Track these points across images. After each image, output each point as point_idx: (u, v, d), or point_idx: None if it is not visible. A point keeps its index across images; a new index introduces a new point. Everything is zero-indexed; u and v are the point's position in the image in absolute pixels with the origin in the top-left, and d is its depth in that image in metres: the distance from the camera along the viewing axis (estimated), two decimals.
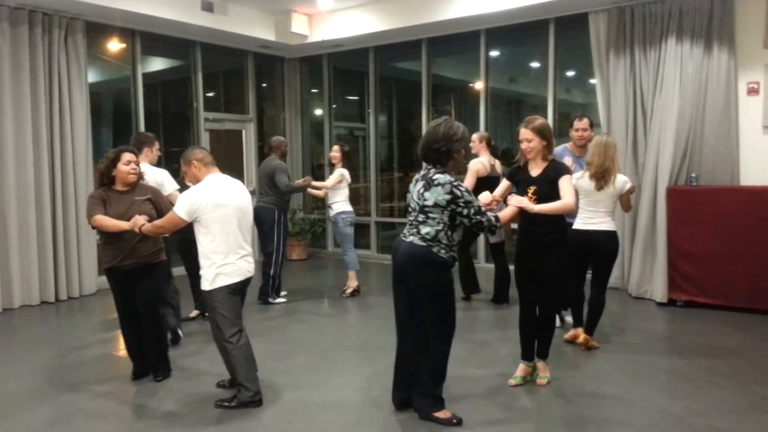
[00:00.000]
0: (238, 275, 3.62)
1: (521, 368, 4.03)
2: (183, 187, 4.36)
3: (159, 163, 5.23)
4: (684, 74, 6.03)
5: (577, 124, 5.11)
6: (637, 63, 6.35)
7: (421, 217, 3.31)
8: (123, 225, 3.78)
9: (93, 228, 3.93)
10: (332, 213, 6.59)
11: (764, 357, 4.45)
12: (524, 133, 3.77)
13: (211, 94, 8.69)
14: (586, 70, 7.18)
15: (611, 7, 6.48)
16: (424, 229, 3.29)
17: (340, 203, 6.54)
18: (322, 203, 6.94)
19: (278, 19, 8.27)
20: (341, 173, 6.53)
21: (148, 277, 4.05)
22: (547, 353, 4.02)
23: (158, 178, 4.90)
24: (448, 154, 3.30)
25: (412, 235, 3.34)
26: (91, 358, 4.73)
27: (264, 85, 9.56)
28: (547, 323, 3.97)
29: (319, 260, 8.87)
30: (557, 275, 3.82)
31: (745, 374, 4.09)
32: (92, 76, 7.08)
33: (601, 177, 4.36)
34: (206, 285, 3.61)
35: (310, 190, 6.78)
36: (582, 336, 4.65)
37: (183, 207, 3.53)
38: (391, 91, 9.49)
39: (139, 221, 3.73)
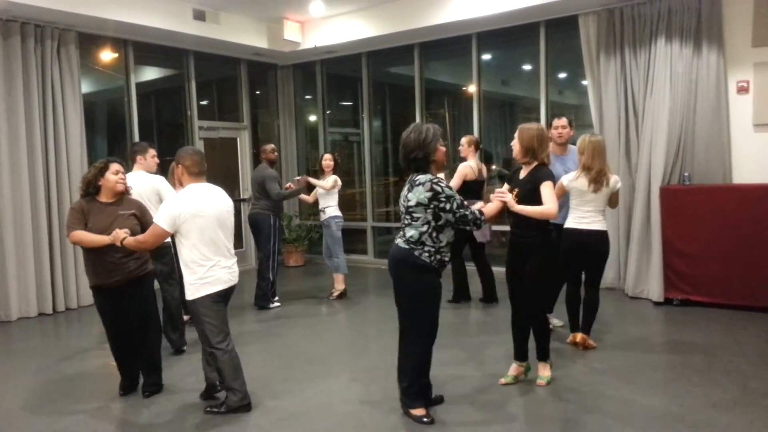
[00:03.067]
0: (221, 283, 3.59)
1: (513, 368, 4.07)
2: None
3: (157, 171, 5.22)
4: (674, 74, 6.09)
5: (555, 122, 5.15)
6: (628, 64, 6.40)
7: (406, 220, 3.40)
8: (104, 239, 3.69)
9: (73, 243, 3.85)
10: (324, 217, 6.71)
11: (760, 354, 4.48)
12: (515, 135, 3.92)
13: (204, 103, 8.71)
14: (578, 71, 7.24)
15: (600, 9, 6.54)
16: (409, 232, 3.36)
17: (332, 208, 6.69)
18: (317, 209, 6.99)
19: (270, 27, 8.30)
20: (335, 178, 6.68)
21: (137, 291, 3.95)
22: (546, 354, 4.03)
23: (155, 184, 4.91)
24: (427, 159, 3.38)
25: (399, 238, 3.45)
26: (84, 372, 4.71)
27: (257, 92, 9.58)
28: (536, 325, 3.99)
29: (315, 266, 8.87)
30: (538, 277, 3.85)
31: (741, 371, 4.12)
32: (86, 87, 7.09)
33: (599, 181, 4.41)
34: (190, 295, 3.57)
35: (301, 196, 6.87)
36: (579, 336, 4.67)
37: (165, 218, 3.47)
38: (384, 95, 9.53)
39: (120, 235, 3.64)
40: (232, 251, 3.72)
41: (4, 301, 6.21)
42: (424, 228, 3.32)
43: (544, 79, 7.34)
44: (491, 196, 3.73)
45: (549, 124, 7.19)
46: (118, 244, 3.65)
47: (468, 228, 3.48)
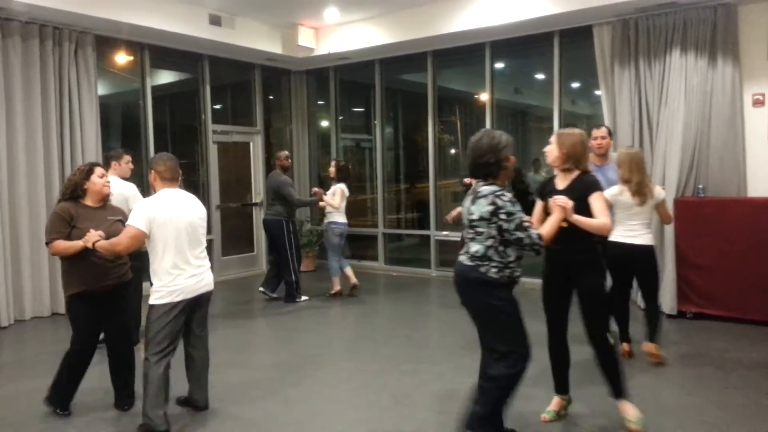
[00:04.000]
0: (182, 294, 3.47)
1: (555, 402, 3.66)
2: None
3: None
4: (689, 86, 6.07)
5: (595, 132, 5.17)
6: (642, 75, 6.38)
7: (470, 234, 3.11)
8: (77, 244, 3.55)
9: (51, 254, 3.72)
10: (326, 221, 7.06)
11: None
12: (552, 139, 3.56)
13: (218, 107, 8.76)
14: (591, 81, 7.23)
15: (615, 19, 6.53)
16: (474, 247, 3.09)
17: (333, 213, 6.95)
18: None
19: (285, 33, 8.35)
20: (342, 189, 6.93)
21: (122, 298, 3.85)
22: (622, 389, 3.42)
23: (126, 191, 4.93)
24: (498, 165, 3.09)
25: (463, 254, 3.17)
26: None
27: (271, 97, 9.63)
28: (604, 355, 3.41)
29: (327, 271, 8.86)
30: (598, 299, 3.42)
31: (757, 385, 4.08)
32: (101, 89, 7.14)
33: (642, 192, 4.38)
34: (151, 299, 3.49)
35: (320, 203, 7.12)
36: (650, 345, 4.55)
37: (140, 218, 3.38)
38: (396, 102, 9.55)
39: (92, 237, 3.50)
40: (204, 258, 3.65)
41: (19, 300, 6.25)
42: (489, 242, 3.04)
43: (558, 89, 7.33)
44: (550, 203, 3.32)
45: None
46: (89, 246, 3.49)
47: (525, 251, 3.09)
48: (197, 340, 3.76)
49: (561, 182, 3.49)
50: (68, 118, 6.56)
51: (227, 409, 3.87)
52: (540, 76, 8.36)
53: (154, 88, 7.73)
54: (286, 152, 7.24)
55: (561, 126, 7.34)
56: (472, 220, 3.07)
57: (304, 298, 6.97)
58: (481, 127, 8.08)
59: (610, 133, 5.25)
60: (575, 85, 7.82)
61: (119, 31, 6.92)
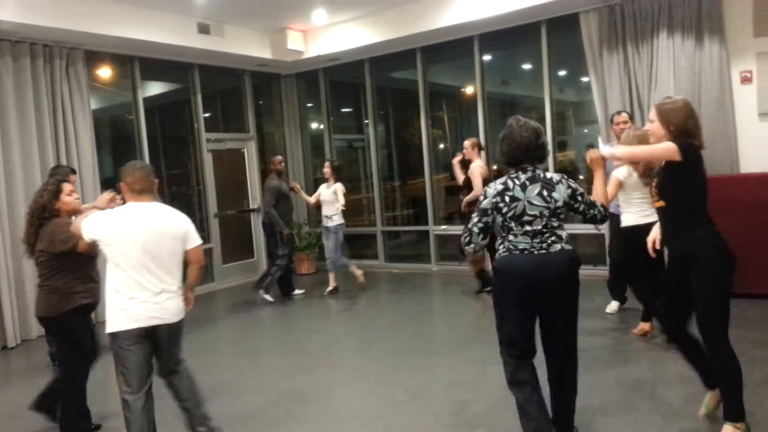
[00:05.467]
0: (136, 321, 3.05)
1: (710, 396, 3.24)
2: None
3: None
4: (677, 67, 6.16)
5: (617, 118, 5.35)
6: (631, 59, 6.47)
7: (555, 222, 2.92)
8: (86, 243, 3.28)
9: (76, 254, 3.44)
10: (332, 224, 7.14)
11: None
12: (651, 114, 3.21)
13: (209, 115, 8.77)
14: (577, 68, 7.31)
15: (601, 5, 6.61)
16: (563, 233, 2.97)
17: (339, 215, 7.12)
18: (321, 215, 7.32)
19: (274, 37, 8.37)
20: (342, 188, 7.13)
21: None
22: (737, 411, 2.95)
23: None
24: (545, 149, 3.04)
25: (555, 243, 2.92)
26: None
27: (261, 102, 9.65)
28: (722, 367, 2.99)
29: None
30: (715, 295, 3.00)
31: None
32: (93, 103, 7.14)
33: (650, 174, 4.27)
34: (108, 327, 3.10)
35: (303, 196, 7.52)
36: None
37: (89, 224, 3.12)
38: (387, 100, 9.60)
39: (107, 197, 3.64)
40: (168, 284, 3.14)
41: (24, 319, 6.24)
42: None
43: (548, 78, 7.39)
44: (587, 155, 3.23)
45: (553, 121, 7.38)
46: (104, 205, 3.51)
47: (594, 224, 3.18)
48: (176, 378, 3.30)
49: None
50: (63, 134, 6.57)
51: (244, 414, 3.91)
52: (527, 66, 8.43)
53: (145, 100, 7.73)
54: (280, 157, 7.46)
55: (553, 114, 7.42)
56: (558, 207, 2.92)
57: (267, 297, 7.14)
58: (471, 120, 8.16)
59: (631, 118, 5.41)
60: (562, 73, 7.89)
61: (109, 45, 6.93)
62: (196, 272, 3.37)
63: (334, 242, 7.16)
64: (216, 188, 8.57)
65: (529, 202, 2.89)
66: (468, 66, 8.06)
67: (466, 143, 6.51)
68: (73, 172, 5.26)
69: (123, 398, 3.10)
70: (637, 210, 4.55)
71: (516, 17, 7.14)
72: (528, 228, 2.89)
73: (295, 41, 8.32)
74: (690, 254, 3.04)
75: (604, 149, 3.20)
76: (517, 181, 2.93)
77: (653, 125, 3.09)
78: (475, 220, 2.98)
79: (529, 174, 2.95)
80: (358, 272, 7.36)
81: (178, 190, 8.52)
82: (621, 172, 4.52)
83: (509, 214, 2.90)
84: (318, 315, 6.57)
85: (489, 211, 2.95)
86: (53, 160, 6.45)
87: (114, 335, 3.08)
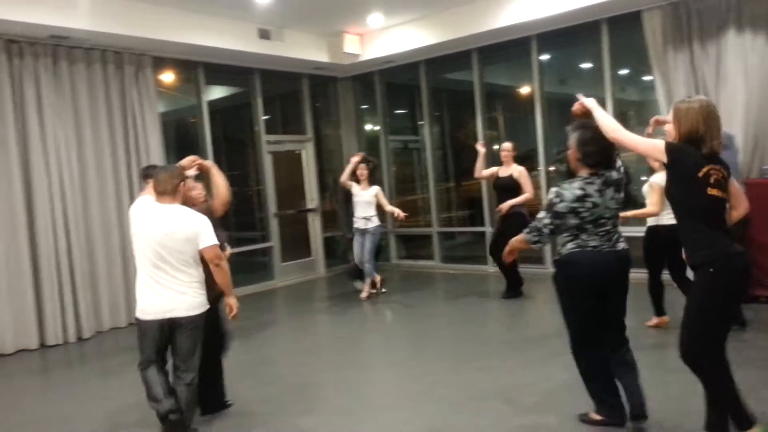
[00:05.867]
0: (142, 313, 3.40)
1: None
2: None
3: None
4: (748, 66, 5.94)
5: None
6: (697, 57, 6.28)
7: (618, 220, 3.24)
8: None
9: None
10: (371, 226, 7.15)
11: None
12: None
13: (269, 117, 8.98)
14: (640, 67, 7.12)
15: (664, 3, 6.43)
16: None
17: (376, 217, 7.17)
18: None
19: (331, 41, 8.51)
20: (381, 191, 7.21)
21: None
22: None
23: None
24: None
25: (620, 241, 3.19)
26: None
27: (318, 105, 9.81)
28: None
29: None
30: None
31: None
32: (159, 107, 7.43)
33: None
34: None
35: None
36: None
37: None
38: (442, 102, 9.60)
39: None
40: (179, 283, 3.36)
41: (97, 311, 6.55)
42: None
43: (609, 77, 7.24)
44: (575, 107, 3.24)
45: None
46: None
47: None
48: (177, 381, 3.45)
49: None
50: (133, 138, 6.88)
51: (301, 409, 4.00)
52: (587, 66, 8.27)
53: (208, 103, 7.99)
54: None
55: (615, 114, 7.26)
56: (619, 208, 3.17)
57: (357, 284, 7.35)
58: (528, 120, 8.06)
59: None
60: (624, 72, 7.71)
61: (176, 51, 7.20)
62: (216, 273, 3.45)
63: (371, 244, 7.15)
64: (275, 188, 8.77)
65: (607, 207, 3.07)
66: (524, 66, 7.97)
67: (509, 146, 6.66)
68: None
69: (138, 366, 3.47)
70: (666, 212, 4.42)
71: (575, 16, 7.03)
72: (601, 229, 3.10)
73: (351, 44, 8.43)
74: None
75: (588, 101, 3.12)
76: (594, 186, 3.04)
77: (669, 126, 2.93)
78: (547, 221, 3.09)
79: (603, 178, 3.06)
80: (366, 288, 7.23)
81: (239, 191, 8.75)
82: (659, 179, 4.41)
83: (588, 218, 3.06)
84: (373, 313, 6.65)
85: (564, 215, 3.05)
86: (124, 162, 6.76)
87: (136, 320, 3.47)
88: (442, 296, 7.42)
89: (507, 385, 4.16)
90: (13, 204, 6.02)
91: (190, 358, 3.44)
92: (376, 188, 7.19)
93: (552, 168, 6.66)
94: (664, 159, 2.79)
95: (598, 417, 3.31)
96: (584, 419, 3.37)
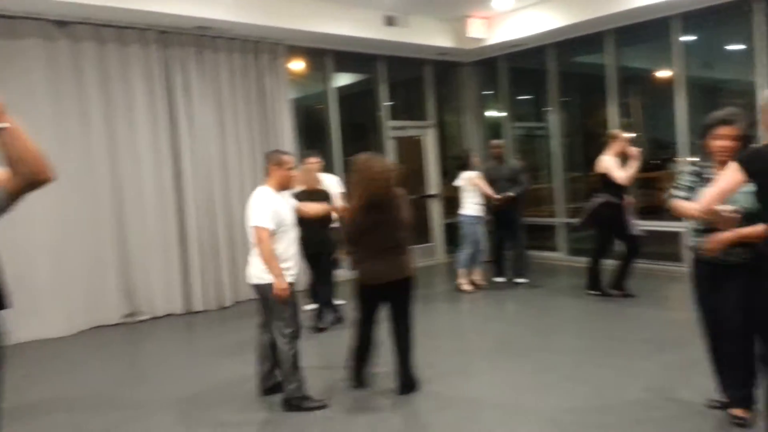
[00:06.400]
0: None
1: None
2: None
3: None
4: None
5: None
6: None
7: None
8: None
9: None
10: (471, 213, 7.04)
11: None
12: None
13: (392, 103, 9.07)
14: None
15: None
16: None
17: (464, 206, 7.01)
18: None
19: (455, 26, 8.42)
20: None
21: None
22: None
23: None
24: None
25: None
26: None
27: (441, 91, 9.76)
28: None
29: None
30: None
31: None
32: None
33: None
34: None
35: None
36: None
37: None
38: (571, 87, 9.19)
39: None
40: (251, 254, 3.89)
41: (236, 284, 6.91)
42: None
43: (765, 60, 6.57)
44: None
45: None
46: None
47: None
48: (268, 337, 4.03)
49: None
50: (270, 124, 7.29)
51: (431, 391, 4.03)
52: (734, 47, 7.57)
53: (336, 90, 8.20)
54: (496, 141, 7.52)
55: None
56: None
57: (521, 280, 7.15)
58: (667, 106, 7.51)
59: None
60: None
61: (306, 39, 7.47)
62: (260, 252, 3.75)
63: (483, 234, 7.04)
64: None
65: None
66: (662, 48, 7.43)
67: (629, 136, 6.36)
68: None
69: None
70: None
71: None
72: None
73: (477, 29, 8.29)
74: None
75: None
76: (692, 177, 3.17)
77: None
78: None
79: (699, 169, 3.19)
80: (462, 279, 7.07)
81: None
82: None
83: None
84: (497, 303, 6.56)
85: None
86: (259, 147, 7.12)
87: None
88: (567, 289, 7.10)
89: (638, 387, 3.94)
90: (164, 185, 6.57)
91: (272, 320, 3.93)
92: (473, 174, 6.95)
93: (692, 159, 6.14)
94: (744, 178, 2.61)
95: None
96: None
